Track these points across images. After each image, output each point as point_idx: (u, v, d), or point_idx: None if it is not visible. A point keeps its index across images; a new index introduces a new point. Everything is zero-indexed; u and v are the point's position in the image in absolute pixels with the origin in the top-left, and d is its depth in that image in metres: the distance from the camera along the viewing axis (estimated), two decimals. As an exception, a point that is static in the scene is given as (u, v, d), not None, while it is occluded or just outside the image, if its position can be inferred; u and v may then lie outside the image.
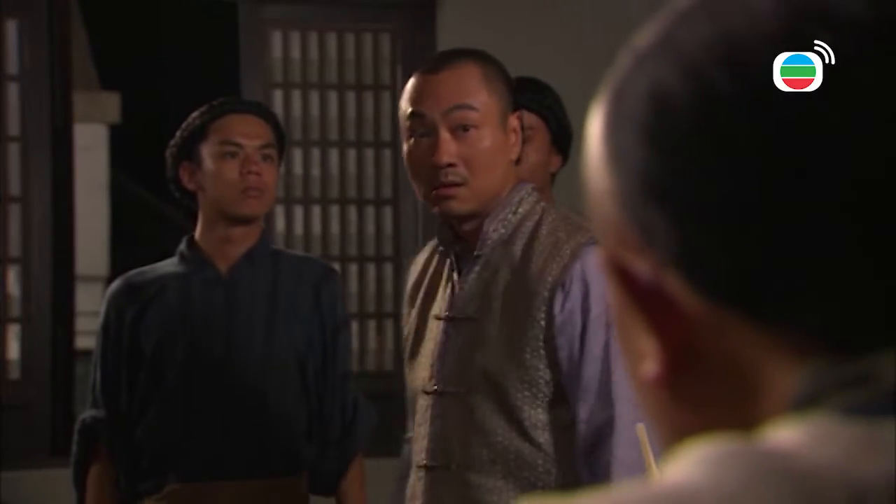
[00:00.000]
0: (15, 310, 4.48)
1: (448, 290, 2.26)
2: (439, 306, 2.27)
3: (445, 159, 2.16)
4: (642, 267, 0.61)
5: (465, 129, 2.17)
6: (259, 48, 4.75)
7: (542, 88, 2.97)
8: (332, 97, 4.82)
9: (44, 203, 4.45)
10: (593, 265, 2.12)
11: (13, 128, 4.49)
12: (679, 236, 0.59)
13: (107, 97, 8.48)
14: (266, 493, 2.84)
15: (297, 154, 4.79)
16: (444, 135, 2.17)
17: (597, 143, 0.64)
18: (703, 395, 0.61)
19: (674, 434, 0.63)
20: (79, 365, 4.64)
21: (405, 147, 2.25)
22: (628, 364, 0.65)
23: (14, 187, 4.47)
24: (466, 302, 2.22)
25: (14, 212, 4.47)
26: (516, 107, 2.28)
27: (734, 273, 0.58)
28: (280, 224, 4.77)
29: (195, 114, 2.92)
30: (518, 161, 2.72)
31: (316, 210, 4.78)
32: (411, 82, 2.25)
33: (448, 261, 2.28)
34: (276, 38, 4.78)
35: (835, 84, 0.58)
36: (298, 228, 4.79)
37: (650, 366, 0.62)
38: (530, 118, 2.87)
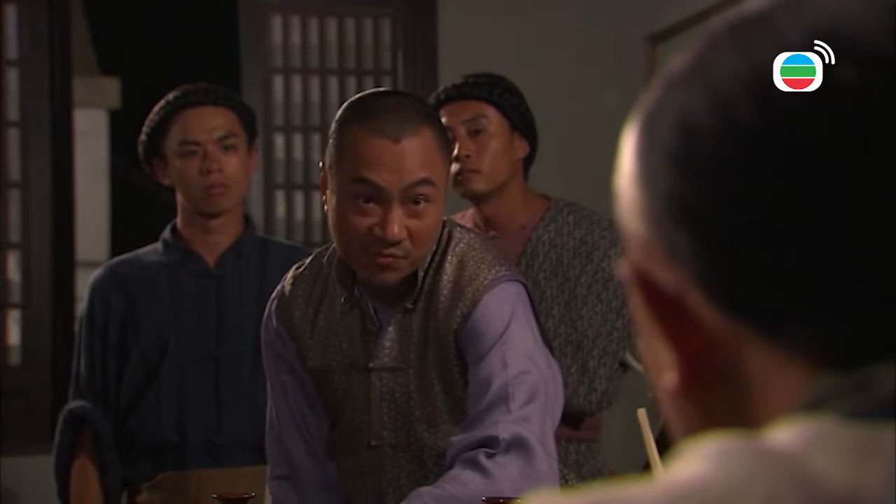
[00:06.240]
0: (15, 295, 4.48)
1: (361, 337, 2.16)
2: (350, 353, 2.16)
3: (399, 236, 2.02)
4: (667, 279, 0.64)
5: (417, 202, 2.03)
6: (259, 33, 4.74)
7: (493, 78, 2.96)
8: (333, 82, 4.81)
9: (43, 188, 4.45)
10: (492, 306, 2.06)
11: (13, 113, 4.49)
12: (702, 257, 0.62)
13: (107, 82, 8.47)
14: (257, 480, 2.84)
15: (298, 140, 4.79)
16: (398, 209, 2.02)
17: (628, 160, 0.67)
18: (715, 403, 0.64)
19: (690, 435, 0.65)
20: (79, 350, 4.64)
21: (335, 202, 2.06)
22: (651, 373, 0.68)
23: (14, 173, 4.47)
24: (388, 351, 2.13)
25: (14, 197, 4.47)
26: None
27: (752, 294, 0.61)
28: (280, 210, 4.76)
29: (155, 109, 2.90)
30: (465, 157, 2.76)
31: (316, 196, 4.77)
32: (362, 140, 2.03)
33: (358, 308, 2.16)
34: (277, 22, 4.77)
35: (859, 116, 0.59)
36: (299, 214, 4.79)
37: (670, 377, 0.65)
38: (485, 108, 2.89)
